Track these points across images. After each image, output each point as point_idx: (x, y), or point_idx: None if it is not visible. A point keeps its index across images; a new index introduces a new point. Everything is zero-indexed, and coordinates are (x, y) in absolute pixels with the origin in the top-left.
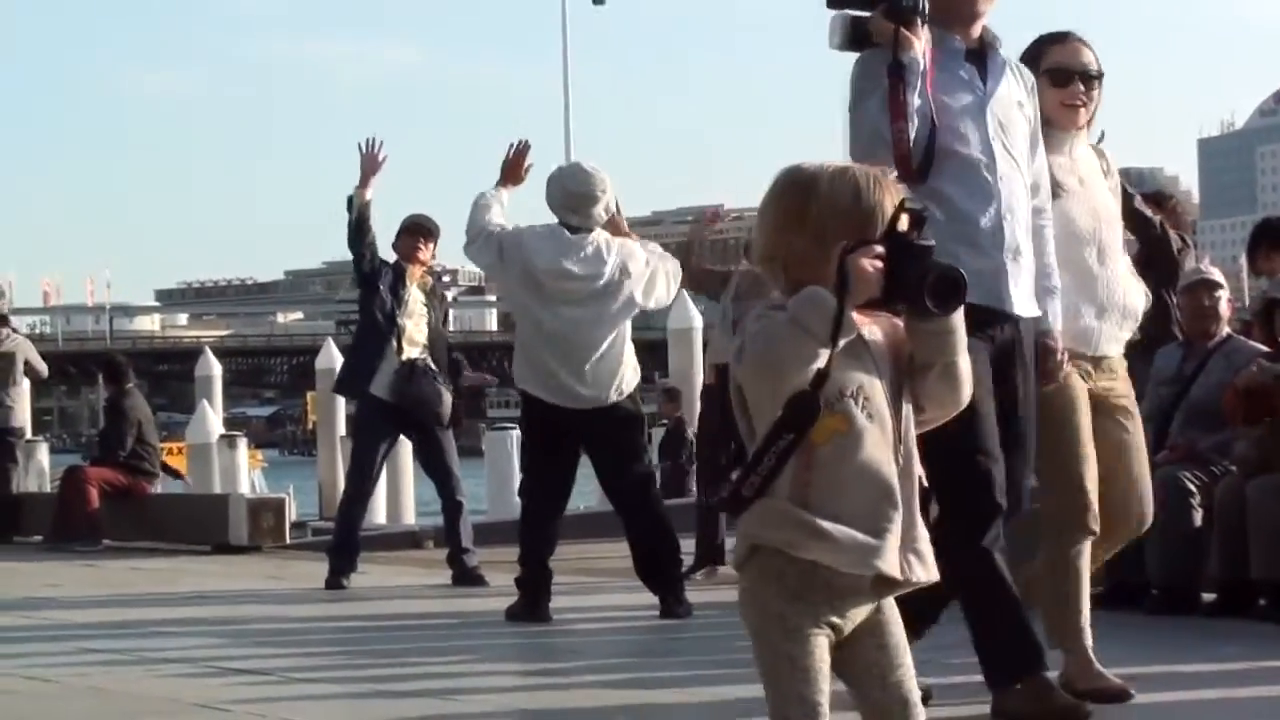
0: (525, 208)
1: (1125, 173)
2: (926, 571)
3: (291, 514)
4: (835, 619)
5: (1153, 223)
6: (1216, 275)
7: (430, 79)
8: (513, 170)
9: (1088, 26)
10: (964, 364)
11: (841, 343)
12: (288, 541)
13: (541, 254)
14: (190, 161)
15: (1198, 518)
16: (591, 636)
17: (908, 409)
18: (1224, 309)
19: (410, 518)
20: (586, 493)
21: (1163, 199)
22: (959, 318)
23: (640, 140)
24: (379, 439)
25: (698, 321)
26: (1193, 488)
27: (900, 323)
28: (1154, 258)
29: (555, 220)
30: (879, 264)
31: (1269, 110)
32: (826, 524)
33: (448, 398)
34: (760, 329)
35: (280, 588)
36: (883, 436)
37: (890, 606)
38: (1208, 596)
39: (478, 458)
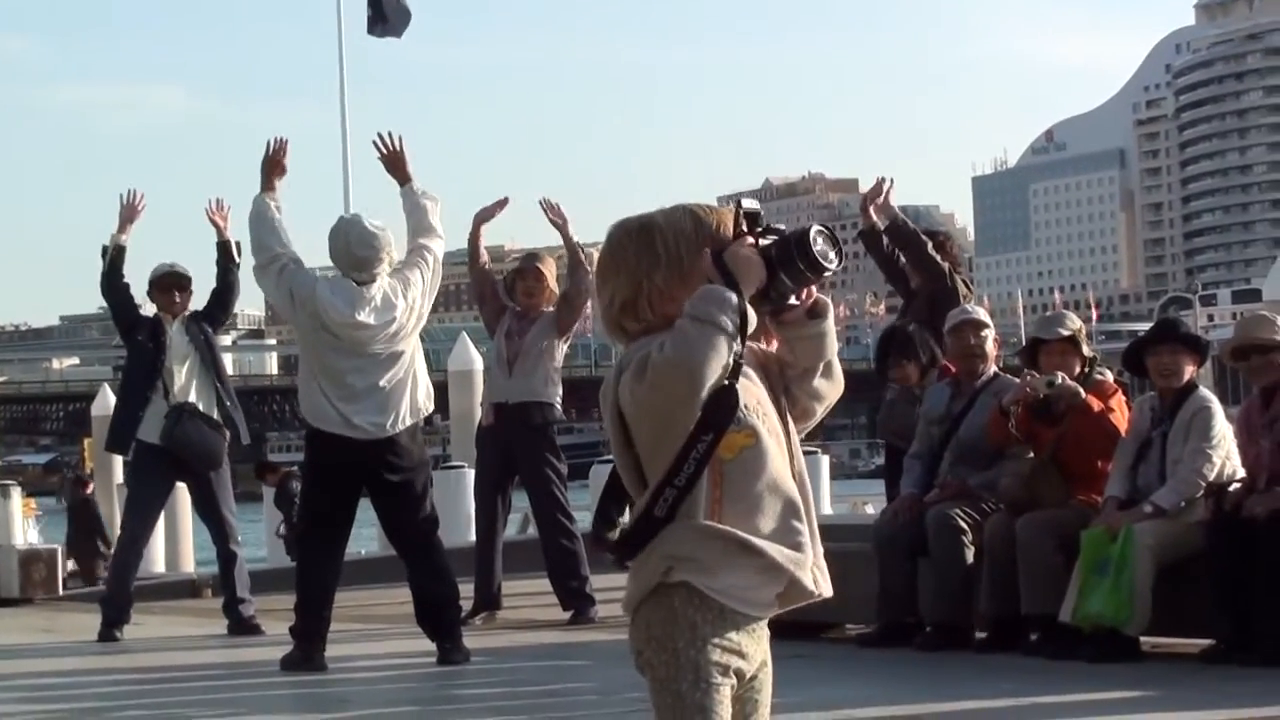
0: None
1: (903, 210)
2: (828, 586)
3: (67, 564)
4: (742, 664)
5: (945, 273)
6: (982, 315)
7: (199, 122)
8: (276, 167)
9: (862, 68)
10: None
11: (750, 329)
12: (60, 593)
13: (334, 308)
14: None
15: (969, 555)
16: (367, 685)
17: (792, 425)
18: (990, 348)
19: (189, 565)
20: (367, 538)
21: (936, 237)
22: (831, 319)
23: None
24: (153, 486)
25: (478, 364)
26: (964, 525)
27: (760, 345)
28: (937, 307)
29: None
30: (753, 251)
31: (1041, 148)
32: (753, 538)
33: (220, 440)
34: (667, 337)
35: (51, 641)
36: (781, 451)
37: (769, 660)
38: (980, 633)
39: (257, 502)
